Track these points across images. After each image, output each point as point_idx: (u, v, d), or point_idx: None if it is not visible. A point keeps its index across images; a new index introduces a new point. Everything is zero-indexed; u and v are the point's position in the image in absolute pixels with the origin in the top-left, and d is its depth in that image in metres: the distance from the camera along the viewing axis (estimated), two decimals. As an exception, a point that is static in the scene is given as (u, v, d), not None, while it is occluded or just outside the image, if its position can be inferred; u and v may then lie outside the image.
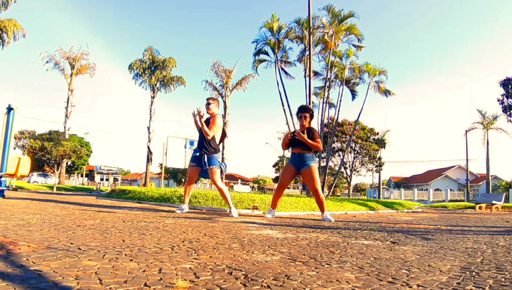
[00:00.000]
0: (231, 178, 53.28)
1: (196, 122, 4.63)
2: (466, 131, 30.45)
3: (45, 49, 40.59)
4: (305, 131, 4.48)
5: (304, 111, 4.57)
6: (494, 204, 11.22)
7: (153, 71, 25.07)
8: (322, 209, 4.49)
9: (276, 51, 17.17)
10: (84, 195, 10.53)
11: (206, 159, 4.45)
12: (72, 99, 24.80)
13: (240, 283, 1.22)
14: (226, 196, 4.46)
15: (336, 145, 27.87)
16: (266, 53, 17.90)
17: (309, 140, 4.35)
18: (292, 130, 17.73)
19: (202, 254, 1.73)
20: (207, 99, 4.68)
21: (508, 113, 20.51)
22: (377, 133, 30.17)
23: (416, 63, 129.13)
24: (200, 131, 4.57)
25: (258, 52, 17.86)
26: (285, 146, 4.60)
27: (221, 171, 4.61)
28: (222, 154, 24.17)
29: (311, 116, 4.65)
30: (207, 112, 4.64)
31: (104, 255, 1.55)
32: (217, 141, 4.62)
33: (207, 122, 4.58)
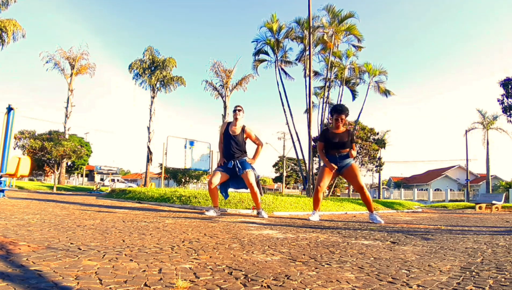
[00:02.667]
0: (231, 178, 53.11)
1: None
2: (466, 131, 30.48)
3: (45, 49, 40.68)
4: (345, 133, 4.33)
5: (341, 113, 4.32)
6: (494, 204, 11.22)
7: (153, 71, 25.09)
8: (370, 208, 4.35)
9: (276, 51, 17.17)
10: (84, 195, 10.54)
11: (239, 163, 4.32)
12: (72, 99, 24.84)
13: (240, 283, 1.22)
14: (258, 199, 4.38)
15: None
16: (266, 53, 17.92)
17: (353, 155, 4.34)
18: (292, 130, 17.15)
19: (202, 254, 1.73)
20: (237, 106, 4.52)
21: (508, 113, 20.51)
22: (377, 133, 30.12)
23: (416, 63, 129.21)
24: (230, 142, 4.39)
25: (258, 52, 17.87)
26: (321, 151, 4.45)
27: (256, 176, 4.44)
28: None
29: (346, 116, 4.43)
30: (236, 118, 4.45)
31: (104, 255, 1.55)
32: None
33: (236, 138, 4.40)
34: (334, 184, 20.97)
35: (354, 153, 4.33)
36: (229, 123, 4.53)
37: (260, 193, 4.46)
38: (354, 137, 4.42)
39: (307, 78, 14.33)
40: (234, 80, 24.12)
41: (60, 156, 18.23)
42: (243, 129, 4.47)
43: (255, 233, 2.69)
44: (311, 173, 14.17)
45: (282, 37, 17.02)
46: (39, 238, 1.92)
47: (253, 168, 4.44)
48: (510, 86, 19.83)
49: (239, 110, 4.47)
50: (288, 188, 52.35)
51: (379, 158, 30.14)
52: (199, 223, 3.29)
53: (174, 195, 6.37)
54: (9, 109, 6.02)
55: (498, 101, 20.57)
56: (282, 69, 17.69)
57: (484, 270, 1.57)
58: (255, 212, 5.03)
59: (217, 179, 4.34)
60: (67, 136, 23.45)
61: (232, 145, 4.40)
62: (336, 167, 4.28)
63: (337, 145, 4.30)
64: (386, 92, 18.81)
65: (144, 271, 1.32)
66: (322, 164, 4.50)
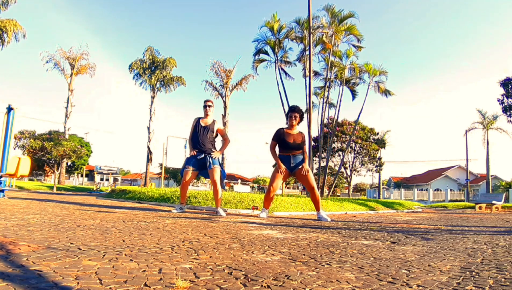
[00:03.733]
0: (231, 178, 53.28)
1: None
2: (466, 131, 30.47)
3: (45, 49, 40.66)
4: (299, 135, 4.48)
5: (295, 111, 4.49)
6: (494, 204, 11.22)
7: (153, 71, 25.10)
8: (317, 207, 4.46)
9: (276, 51, 17.17)
10: (84, 195, 10.54)
11: (211, 159, 4.51)
12: (72, 99, 24.83)
13: (240, 283, 1.22)
14: (219, 198, 4.53)
15: (336, 145, 27.86)
16: (266, 53, 17.91)
17: (306, 160, 4.48)
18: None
19: (202, 254, 1.73)
20: (207, 101, 4.71)
21: (508, 113, 20.53)
22: (377, 133, 30.16)
23: (416, 63, 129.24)
24: (202, 133, 4.58)
25: (258, 52, 17.86)
26: (273, 150, 4.57)
27: (222, 176, 4.62)
28: (222, 154, 24.14)
29: (301, 118, 4.56)
30: (207, 114, 4.67)
31: (104, 255, 1.55)
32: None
33: (207, 129, 4.60)
34: (334, 184, 20.96)
35: (306, 157, 4.48)
36: (199, 118, 4.72)
37: (223, 187, 4.71)
38: (306, 141, 4.57)
39: (307, 78, 14.33)
40: (234, 80, 24.13)
41: (60, 156, 18.22)
42: (214, 122, 4.71)
43: (255, 233, 2.69)
44: (311, 173, 14.13)
45: (283, 37, 17.02)
46: (39, 238, 1.92)
47: (221, 165, 4.66)
48: (510, 86, 19.84)
49: (209, 106, 4.69)
50: (288, 188, 52.34)
51: (379, 158, 30.15)
52: (199, 223, 3.29)
53: (174, 195, 6.37)
54: (9, 109, 6.02)
55: (498, 101, 20.60)
56: (282, 69, 17.69)
57: (484, 270, 1.57)
58: (255, 212, 5.03)
59: (188, 176, 4.53)
60: (67, 136, 23.44)
61: (203, 135, 4.58)
62: (284, 172, 4.41)
63: (291, 146, 4.42)
64: (386, 92, 18.81)
65: (144, 271, 1.32)
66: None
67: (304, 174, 4.37)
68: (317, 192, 4.46)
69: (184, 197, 4.69)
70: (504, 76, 20.06)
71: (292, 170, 4.43)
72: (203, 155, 4.52)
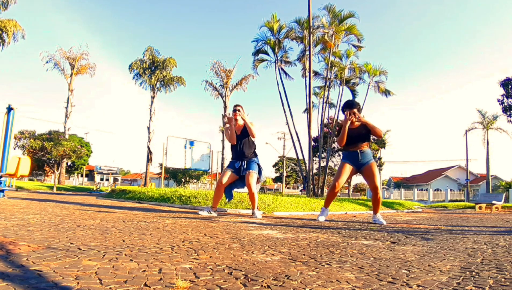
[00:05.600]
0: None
1: (231, 128, 4.31)
2: (466, 131, 30.51)
3: (45, 49, 40.69)
4: (361, 127, 4.19)
5: (351, 107, 4.18)
6: (494, 204, 11.22)
7: (153, 71, 25.11)
8: (376, 209, 4.28)
9: (276, 50, 17.16)
10: (84, 195, 10.53)
11: (245, 164, 4.30)
12: (72, 99, 24.84)
13: (240, 283, 1.22)
14: (255, 201, 4.30)
15: (336, 145, 27.85)
16: (266, 53, 17.90)
17: (376, 127, 4.09)
18: (292, 130, 17.06)
19: (202, 254, 1.73)
20: (236, 106, 4.39)
21: (508, 113, 20.56)
22: (377, 133, 30.15)
23: (416, 64, 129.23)
24: (239, 141, 4.31)
25: (258, 52, 17.85)
26: (343, 141, 4.24)
27: (259, 177, 4.37)
28: (222, 154, 24.15)
29: (359, 110, 4.28)
30: (236, 118, 4.32)
31: (104, 255, 1.55)
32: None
33: (243, 133, 4.33)
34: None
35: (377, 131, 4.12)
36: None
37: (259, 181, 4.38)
38: (373, 125, 4.23)
39: (307, 78, 14.35)
40: (234, 80, 24.16)
41: (60, 156, 18.21)
42: (245, 125, 4.38)
43: (255, 233, 2.69)
44: (311, 173, 14.20)
45: (283, 37, 17.00)
46: (39, 238, 1.92)
47: (260, 169, 4.38)
48: (510, 86, 19.86)
49: (238, 110, 4.34)
50: (288, 188, 52.33)
51: (379, 158, 30.19)
52: (199, 223, 3.28)
53: (174, 195, 6.37)
54: (9, 109, 6.02)
55: (498, 101, 20.63)
56: (282, 69, 17.68)
57: (484, 270, 1.57)
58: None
59: (226, 178, 4.26)
60: (67, 136, 23.43)
61: (241, 143, 4.33)
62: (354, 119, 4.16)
63: (356, 139, 4.20)
64: (386, 92, 18.81)
65: (144, 271, 1.32)
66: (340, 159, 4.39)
67: (370, 171, 4.13)
68: (380, 193, 4.25)
69: (216, 201, 4.30)
70: (504, 76, 20.11)
71: (360, 167, 4.23)
72: (240, 163, 4.31)
